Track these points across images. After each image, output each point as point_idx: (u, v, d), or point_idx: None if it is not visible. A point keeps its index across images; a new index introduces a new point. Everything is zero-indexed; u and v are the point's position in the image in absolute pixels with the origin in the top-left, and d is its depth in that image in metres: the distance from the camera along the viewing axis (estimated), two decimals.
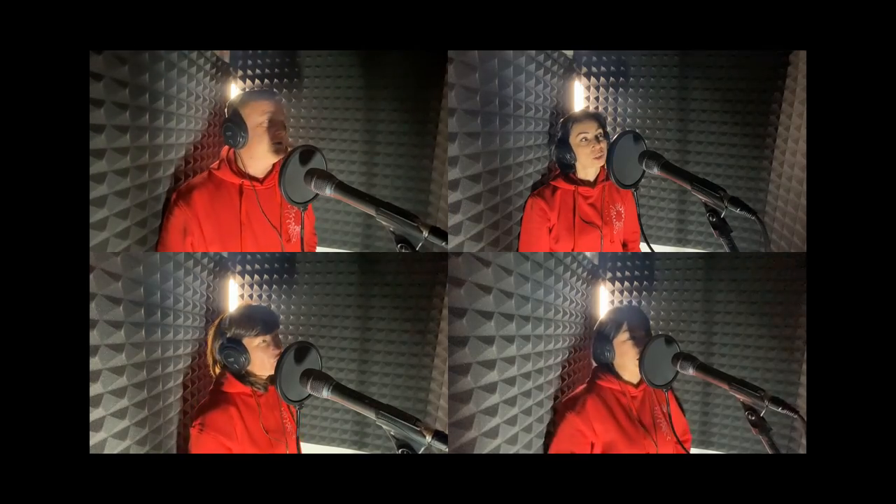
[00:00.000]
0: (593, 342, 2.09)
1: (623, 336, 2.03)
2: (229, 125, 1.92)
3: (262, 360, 1.91)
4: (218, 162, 1.99)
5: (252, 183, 1.95)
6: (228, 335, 1.91)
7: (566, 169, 2.14)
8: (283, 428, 1.94)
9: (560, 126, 2.15)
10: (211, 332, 1.96)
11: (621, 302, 2.36)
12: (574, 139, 2.10)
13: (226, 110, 1.98)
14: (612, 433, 1.99)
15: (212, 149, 2.15)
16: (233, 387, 1.92)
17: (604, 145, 2.09)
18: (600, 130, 2.10)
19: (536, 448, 1.96)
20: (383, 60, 2.33)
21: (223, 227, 1.94)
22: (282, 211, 1.98)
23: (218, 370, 1.95)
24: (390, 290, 2.32)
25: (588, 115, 2.15)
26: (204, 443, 1.87)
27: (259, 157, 1.95)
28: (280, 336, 1.98)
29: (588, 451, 1.99)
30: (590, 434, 1.99)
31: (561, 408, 2.04)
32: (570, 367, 2.14)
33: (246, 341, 1.90)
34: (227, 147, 1.97)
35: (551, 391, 2.04)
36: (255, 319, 1.92)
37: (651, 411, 2.03)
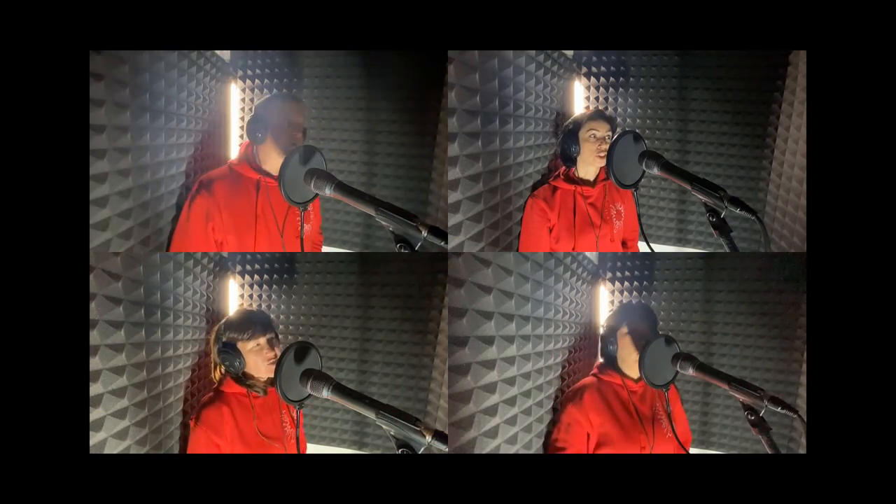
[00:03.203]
0: (602, 334, 2.15)
1: (623, 329, 2.07)
2: (253, 123, 1.94)
3: (256, 363, 1.93)
4: (238, 157, 2.00)
5: (268, 179, 1.97)
6: (224, 339, 1.93)
7: (568, 162, 2.14)
8: (282, 432, 1.95)
9: (572, 120, 2.15)
10: (211, 337, 1.98)
11: (621, 302, 2.36)
12: (583, 133, 2.11)
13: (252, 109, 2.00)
14: (607, 425, 2.02)
15: (212, 149, 2.15)
16: (230, 387, 1.95)
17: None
18: (609, 133, 2.11)
19: (536, 448, 1.96)
20: (383, 60, 2.33)
21: (240, 218, 1.96)
22: (288, 208, 1.98)
23: (219, 374, 1.97)
24: (390, 290, 2.32)
25: (602, 116, 2.14)
26: (197, 436, 1.91)
27: (276, 156, 1.97)
28: (280, 337, 1.99)
29: (584, 441, 2.01)
30: (586, 424, 2.02)
31: (564, 398, 2.08)
32: (570, 367, 2.14)
33: (240, 345, 1.92)
34: (246, 143, 1.99)
35: (551, 391, 2.04)
36: (248, 323, 1.94)
37: (652, 406, 2.05)
